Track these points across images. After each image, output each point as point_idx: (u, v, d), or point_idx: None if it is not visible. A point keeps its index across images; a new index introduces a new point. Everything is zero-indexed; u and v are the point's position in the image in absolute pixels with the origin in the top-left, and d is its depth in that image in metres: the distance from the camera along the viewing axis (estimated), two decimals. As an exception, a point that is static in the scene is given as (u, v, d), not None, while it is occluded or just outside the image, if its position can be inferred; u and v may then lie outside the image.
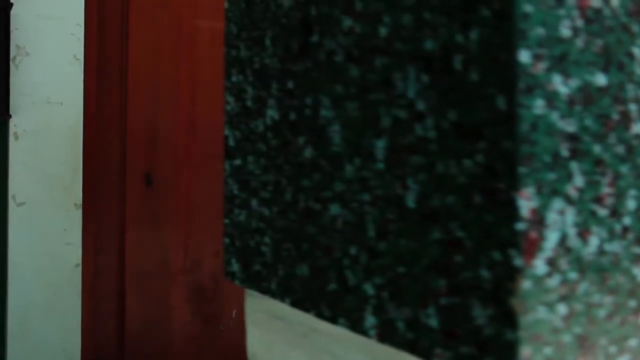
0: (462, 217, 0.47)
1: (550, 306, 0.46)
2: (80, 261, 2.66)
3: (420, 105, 0.50)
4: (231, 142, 0.80)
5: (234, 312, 3.23)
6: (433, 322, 0.50)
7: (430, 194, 0.50)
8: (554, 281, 0.46)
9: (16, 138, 2.55)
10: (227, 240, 0.81)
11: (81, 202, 2.66)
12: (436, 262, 0.49)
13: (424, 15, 0.50)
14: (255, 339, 0.80)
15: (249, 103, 0.76)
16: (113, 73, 2.84)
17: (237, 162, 0.78)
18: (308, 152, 0.64)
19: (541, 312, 0.45)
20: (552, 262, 0.45)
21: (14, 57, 2.52)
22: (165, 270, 3.05)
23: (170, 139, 3.04)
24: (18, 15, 2.51)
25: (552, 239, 0.45)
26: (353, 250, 0.58)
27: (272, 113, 0.71)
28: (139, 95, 2.92)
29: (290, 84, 0.68)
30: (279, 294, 0.70)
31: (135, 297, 2.97)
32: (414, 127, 0.51)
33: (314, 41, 0.64)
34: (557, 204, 0.46)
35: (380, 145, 0.55)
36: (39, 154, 2.59)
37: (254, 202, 0.75)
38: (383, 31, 0.55)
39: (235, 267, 0.79)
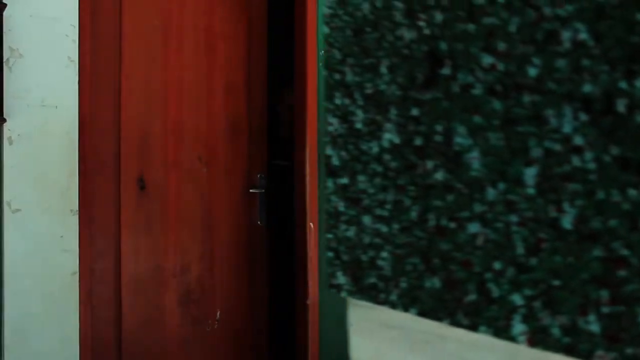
0: (627, 238, 0.56)
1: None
2: (77, 269, 2.69)
3: (578, 140, 0.59)
4: (335, 162, 0.87)
5: (217, 313, 3.30)
6: (594, 327, 0.58)
7: (589, 217, 0.59)
8: None
9: (10, 143, 2.56)
10: (331, 254, 0.89)
11: (77, 208, 2.68)
12: (596, 276, 0.58)
13: (582, 61, 0.59)
14: (362, 347, 0.89)
15: (358, 125, 0.84)
16: (107, 75, 2.87)
17: (344, 180, 0.86)
18: (440, 175, 0.73)
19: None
20: None
21: (7, 59, 2.53)
22: (159, 275, 3.10)
23: (160, 142, 3.08)
24: (11, 16, 2.52)
25: None
26: (497, 265, 0.66)
27: (390, 136, 0.79)
28: (131, 99, 2.96)
29: (414, 111, 0.76)
30: (401, 305, 0.79)
31: (131, 303, 3.01)
32: (570, 158, 0.60)
33: (444, 73, 0.72)
34: None
35: (531, 173, 0.63)
36: (33, 158, 2.60)
37: (366, 219, 0.83)
38: (533, 72, 0.63)
39: (342, 279, 0.88)
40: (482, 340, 0.71)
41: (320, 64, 3.21)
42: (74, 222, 2.69)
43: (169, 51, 3.10)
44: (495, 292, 0.67)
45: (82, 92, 2.68)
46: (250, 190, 3.36)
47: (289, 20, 3.54)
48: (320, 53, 3.21)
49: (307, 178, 3.17)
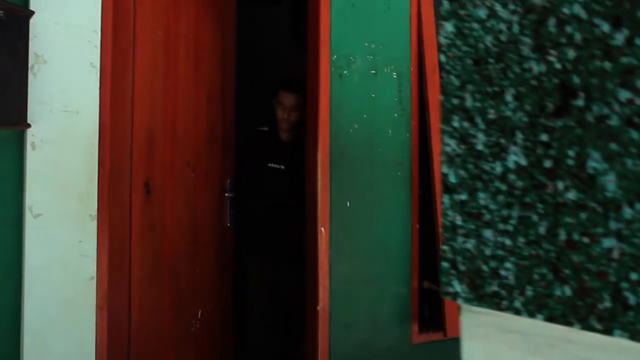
0: None
1: None
2: (94, 274, 2.74)
3: None
4: (453, 179, 0.98)
5: (199, 312, 3.40)
6: None
7: None
8: None
9: (33, 148, 2.60)
10: (446, 264, 0.99)
11: (96, 213, 2.74)
12: None
13: None
14: (476, 351, 0.99)
15: (479, 147, 0.94)
16: (125, 82, 2.94)
17: (462, 197, 0.97)
18: (572, 195, 0.83)
19: None
20: None
21: (32, 66, 2.57)
22: (158, 278, 3.17)
23: (161, 148, 3.16)
24: (37, 23, 2.56)
25: None
26: (634, 276, 0.77)
27: (516, 158, 0.90)
28: (140, 105, 3.03)
29: (544, 136, 0.86)
30: (526, 311, 0.89)
31: (139, 306, 3.08)
32: None
33: (578, 105, 0.83)
34: None
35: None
36: (55, 163, 2.65)
37: (487, 233, 0.94)
38: (676, 108, 0.74)
39: (459, 288, 0.98)
40: (612, 343, 0.82)
41: (333, 69, 3.31)
42: (92, 227, 2.74)
43: (168, 60, 3.19)
44: (632, 299, 0.78)
45: (103, 98, 2.74)
46: (226, 194, 3.54)
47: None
48: (333, 58, 3.31)
49: (319, 183, 3.26)
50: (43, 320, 2.65)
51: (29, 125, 2.55)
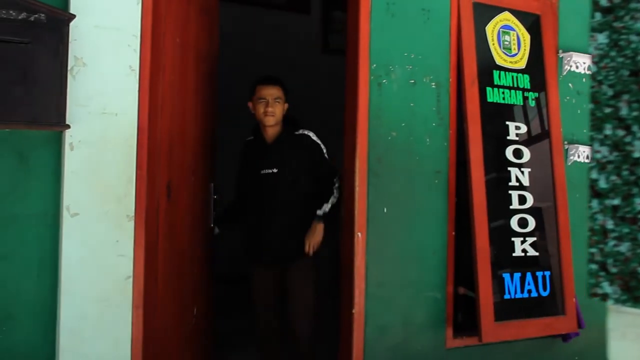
0: None
1: None
2: (131, 273, 2.44)
3: None
4: (603, 185, 0.85)
5: (194, 309, 3.04)
6: None
7: None
8: None
9: (72, 149, 2.32)
10: (595, 266, 0.87)
11: (133, 214, 2.44)
12: None
13: None
14: (627, 351, 0.85)
15: (636, 154, 0.80)
16: (160, 85, 2.62)
17: (614, 202, 0.83)
18: None
19: None
20: None
21: (72, 68, 2.29)
22: (175, 278, 2.83)
23: (178, 151, 2.83)
24: (77, 26, 2.28)
25: None
26: None
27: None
28: (166, 110, 2.70)
29: None
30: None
31: (163, 307, 2.75)
32: None
33: None
34: None
35: None
36: (93, 164, 2.36)
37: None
38: None
39: (609, 289, 0.85)
40: None
41: (372, 78, 2.94)
42: (129, 227, 2.44)
43: (182, 67, 2.87)
44: None
45: (141, 101, 2.43)
46: (215, 197, 3.16)
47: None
48: (373, 67, 2.94)
49: (357, 189, 2.89)
50: (79, 318, 2.36)
51: (68, 127, 2.26)
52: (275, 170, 3.18)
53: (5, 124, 2.15)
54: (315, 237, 3.13)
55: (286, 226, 3.18)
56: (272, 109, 3.14)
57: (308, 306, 3.17)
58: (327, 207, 3.17)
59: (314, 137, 3.24)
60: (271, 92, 3.16)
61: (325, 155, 3.24)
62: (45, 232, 2.34)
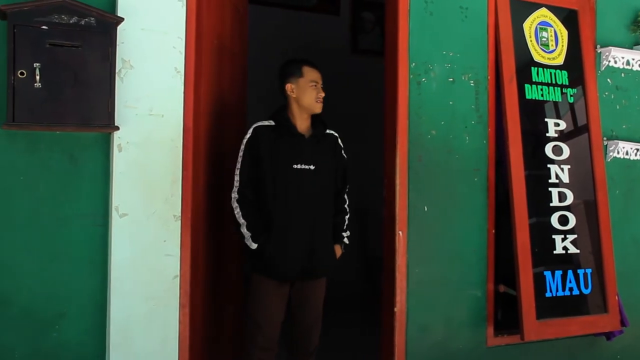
0: None
1: None
2: (178, 272, 2.45)
3: None
4: None
5: (230, 308, 3.03)
6: None
7: None
8: None
9: (120, 150, 2.34)
10: None
11: (180, 214, 2.45)
12: None
13: None
14: None
15: None
16: (202, 87, 2.63)
17: None
18: None
19: None
20: None
21: (120, 70, 2.31)
22: (209, 277, 2.82)
23: (216, 152, 2.83)
24: (125, 29, 2.30)
25: None
26: None
27: None
28: (206, 110, 2.70)
29: None
30: None
31: (204, 306, 2.74)
32: None
33: None
34: None
35: None
36: (140, 165, 2.38)
37: None
38: None
39: None
40: None
41: (411, 76, 2.92)
42: (176, 227, 2.45)
43: (220, 68, 2.87)
44: None
45: (187, 102, 2.45)
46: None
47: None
48: (412, 65, 2.92)
49: (397, 188, 2.88)
50: (128, 316, 2.39)
51: (117, 128, 2.28)
52: (312, 167, 2.65)
53: (58, 126, 2.18)
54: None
55: (323, 235, 2.69)
56: (324, 94, 2.72)
57: (319, 316, 2.78)
58: (348, 232, 2.81)
59: (340, 142, 2.83)
60: (319, 77, 2.73)
61: (347, 163, 2.87)
62: (94, 232, 2.36)
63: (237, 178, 2.61)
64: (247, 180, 2.61)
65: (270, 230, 2.59)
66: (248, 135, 2.65)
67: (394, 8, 2.93)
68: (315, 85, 2.69)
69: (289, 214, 2.61)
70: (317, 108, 2.70)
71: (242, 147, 2.64)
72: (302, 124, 2.71)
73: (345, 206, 2.82)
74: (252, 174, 2.61)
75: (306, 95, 2.68)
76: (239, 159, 2.63)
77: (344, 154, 2.83)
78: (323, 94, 2.70)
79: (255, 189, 2.62)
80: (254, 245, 2.56)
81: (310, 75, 2.69)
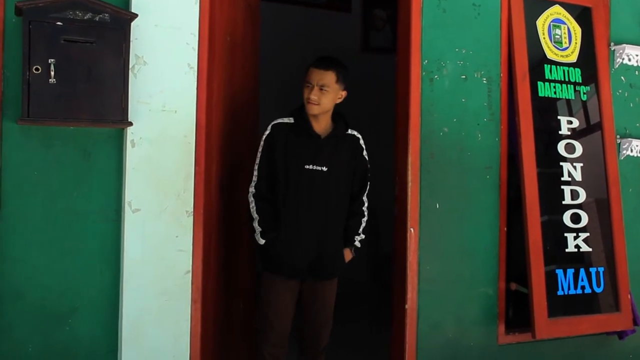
0: None
1: None
2: (190, 268, 2.45)
3: None
4: None
5: (240, 304, 3.02)
6: None
7: None
8: None
9: (133, 145, 2.34)
10: None
11: (192, 210, 2.45)
12: None
13: None
14: None
15: None
16: (215, 84, 2.63)
17: None
18: None
19: None
20: None
21: (133, 66, 2.31)
22: (220, 273, 2.82)
23: (227, 149, 2.82)
24: (138, 25, 2.30)
25: None
26: None
27: None
28: (219, 107, 2.70)
29: None
30: None
31: (215, 301, 2.74)
32: None
33: None
34: None
35: None
36: (153, 161, 2.38)
37: None
38: None
39: None
40: None
41: (424, 74, 2.91)
42: (188, 223, 2.45)
43: (232, 65, 2.86)
44: None
45: (199, 98, 2.45)
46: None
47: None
48: (424, 62, 2.91)
49: (409, 185, 2.87)
50: (141, 311, 2.39)
51: (130, 124, 2.29)
52: (325, 169, 2.65)
53: (72, 121, 2.19)
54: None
55: (333, 238, 2.71)
56: (315, 97, 2.61)
57: (330, 316, 2.79)
58: (362, 236, 2.79)
59: (362, 143, 2.79)
60: (319, 78, 2.63)
61: (368, 165, 2.82)
62: (107, 227, 2.37)
63: (255, 173, 2.67)
64: (263, 177, 2.66)
65: (279, 228, 2.63)
66: (267, 132, 2.68)
67: (406, 5, 2.92)
68: (308, 86, 2.65)
69: (298, 214, 2.64)
70: (308, 109, 2.66)
71: (262, 142, 2.68)
72: (318, 123, 2.69)
73: (363, 208, 2.80)
74: (268, 171, 2.65)
75: (303, 94, 2.68)
76: (258, 154, 2.68)
77: (366, 156, 2.79)
78: (313, 96, 2.62)
79: (271, 186, 2.66)
80: (262, 241, 2.62)
81: (308, 75, 2.67)
